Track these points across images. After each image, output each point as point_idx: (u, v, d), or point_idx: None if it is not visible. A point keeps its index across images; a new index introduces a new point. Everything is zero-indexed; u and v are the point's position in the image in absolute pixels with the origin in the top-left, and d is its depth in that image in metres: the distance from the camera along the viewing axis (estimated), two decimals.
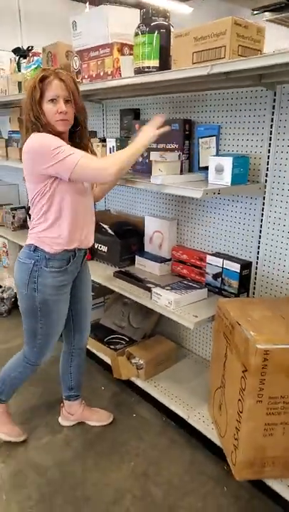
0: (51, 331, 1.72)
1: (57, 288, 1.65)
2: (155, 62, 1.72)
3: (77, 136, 1.66)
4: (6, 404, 1.94)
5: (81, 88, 2.07)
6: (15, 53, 2.76)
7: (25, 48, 2.75)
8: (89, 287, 1.91)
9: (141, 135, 1.60)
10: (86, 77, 2.11)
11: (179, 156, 1.84)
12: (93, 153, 1.74)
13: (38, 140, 1.50)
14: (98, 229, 2.32)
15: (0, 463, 1.81)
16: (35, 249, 1.61)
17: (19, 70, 2.73)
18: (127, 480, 1.73)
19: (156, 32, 1.67)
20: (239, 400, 1.45)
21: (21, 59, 2.74)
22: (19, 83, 2.70)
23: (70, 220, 1.59)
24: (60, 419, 2.05)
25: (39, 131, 1.53)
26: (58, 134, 1.55)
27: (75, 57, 2.15)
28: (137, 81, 1.73)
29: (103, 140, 2.44)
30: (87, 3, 2.22)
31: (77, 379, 2.01)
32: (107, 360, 2.32)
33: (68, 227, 1.60)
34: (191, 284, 1.93)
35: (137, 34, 1.72)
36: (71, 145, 1.60)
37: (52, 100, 1.51)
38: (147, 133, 1.59)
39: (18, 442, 1.91)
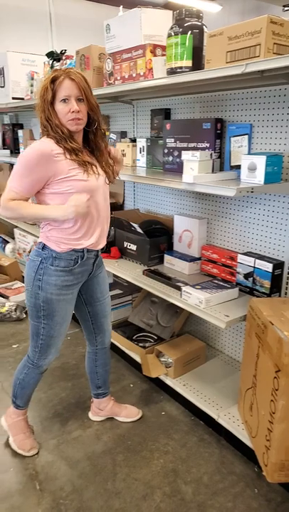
0: (53, 333, 1.71)
1: (60, 287, 1.64)
2: (188, 63, 1.74)
3: (92, 134, 1.64)
4: (23, 412, 1.93)
5: (114, 90, 2.13)
6: (48, 57, 2.83)
7: (58, 51, 2.81)
8: (105, 289, 1.87)
9: (57, 208, 1.53)
10: (118, 78, 2.15)
11: (211, 154, 1.84)
12: (106, 152, 1.69)
13: (24, 153, 1.53)
14: (127, 227, 2.35)
15: (33, 454, 1.86)
16: (44, 247, 1.63)
17: None
18: (157, 476, 1.74)
19: (189, 32, 1.69)
20: (272, 400, 1.44)
21: (55, 62, 2.80)
22: None
23: (77, 219, 1.58)
24: (90, 415, 2.09)
25: (48, 135, 1.54)
26: (71, 135, 1.55)
27: (108, 59, 2.19)
28: (171, 81, 1.75)
29: (133, 140, 2.48)
30: (121, 6, 2.25)
31: (104, 377, 2.02)
32: (136, 357, 2.34)
33: (76, 227, 1.59)
34: (221, 283, 1.93)
35: (170, 35, 1.74)
36: (85, 145, 1.64)
37: (64, 100, 1.51)
38: (65, 209, 1.50)
39: (49, 435, 1.96)
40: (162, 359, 2.20)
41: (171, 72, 1.77)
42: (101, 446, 1.91)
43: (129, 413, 2.07)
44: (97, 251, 1.72)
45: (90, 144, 1.66)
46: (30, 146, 1.53)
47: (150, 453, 1.87)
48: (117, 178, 1.83)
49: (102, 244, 1.72)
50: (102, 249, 1.75)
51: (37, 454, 1.86)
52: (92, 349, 1.96)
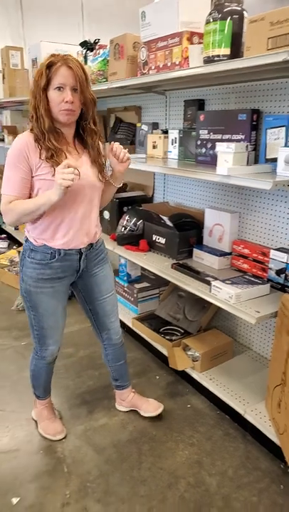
0: (43, 324, 1.71)
1: (36, 280, 1.62)
2: (226, 51, 1.69)
3: (82, 129, 1.59)
4: (46, 402, 1.97)
5: (147, 79, 2.12)
6: (82, 46, 2.83)
7: (91, 41, 2.81)
8: (105, 288, 1.81)
9: (46, 192, 1.48)
10: (153, 67, 2.12)
11: (247, 146, 1.81)
12: (100, 153, 1.63)
13: (10, 149, 1.50)
14: (157, 220, 2.35)
15: (60, 438, 1.91)
16: (27, 240, 1.65)
17: (86, 64, 2.80)
18: (181, 467, 1.76)
19: (228, 18, 1.64)
20: None
21: (88, 52, 2.80)
22: None
23: (48, 219, 1.56)
24: (116, 404, 2.12)
25: (31, 129, 1.50)
26: (55, 129, 1.50)
27: (143, 48, 2.17)
28: (208, 70, 1.71)
29: (165, 132, 2.46)
30: None
31: (119, 371, 2.01)
32: (162, 350, 2.35)
33: (47, 227, 1.57)
34: (252, 279, 1.91)
35: (208, 21, 1.70)
36: (78, 141, 1.59)
37: (59, 88, 1.44)
38: (53, 189, 1.44)
39: (77, 421, 2.01)
40: (189, 353, 2.20)
41: (208, 60, 1.74)
42: (127, 435, 1.94)
43: (147, 407, 2.03)
44: (80, 250, 1.65)
45: (82, 141, 1.61)
46: (11, 146, 1.52)
47: (175, 444, 1.88)
48: (119, 183, 1.74)
49: (80, 244, 1.64)
50: (92, 246, 1.70)
51: (64, 438, 1.91)
52: (102, 344, 1.96)
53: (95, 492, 1.64)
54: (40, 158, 1.48)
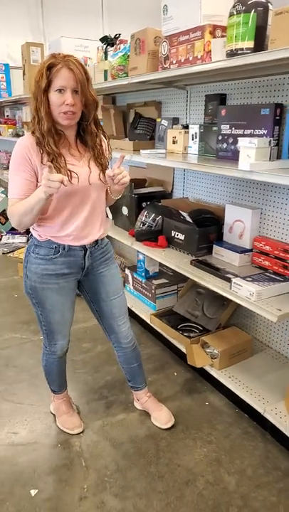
0: (50, 319, 1.70)
1: (41, 276, 1.61)
2: (249, 44, 1.66)
3: (82, 130, 1.56)
4: (62, 396, 1.98)
5: (168, 74, 2.09)
6: (102, 42, 2.83)
7: (112, 36, 2.80)
8: (112, 290, 1.78)
9: (38, 190, 1.42)
10: (174, 62, 2.10)
11: (269, 141, 1.77)
12: (101, 153, 1.61)
13: (13, 153, 1.50)
14: (176, 216, 2.33)
15: (78, 432, 1.92)
16: (31, 236, 1.65)
17: (106, 59, 2.80)
18: (199, 464, 1.75)
19: (252, 11, 1.61)
20: None
21: (108, 47, 2.79)
22: (105, 71, 2.77)
23: (54, 213, 1.55)
24: (134, 402, 2.11)
25: (33, 132, 1.48)
26: (56, 131, 1.49)
27: (164, 43, 2.15)
28: (231, 64, 1.68)
29: (185, 127, 2.44)
30: None
31: (131, 374, 1.97)
32: (180, 346, 2.34)
33: (52, 221, 1.56)
34: (273, 276, 1.87)
35: (231, 14, 1.67)
36: (80, 141, 1.57)
37: (59, 90, 1.42)
38: (38, 190, 1.41)
39: (95, 416, 2.01)
40: (208, 350, 2.18)
41: (231, 54, 1.71)
42: (144, 430, 1.94)
43: (159, 417, 1.97)
44: (85, 246, 1.63)
45: (84, 143, 1.59)
46: (13, 149, 1.51)
47: (193, 441, 1.87)
48: (116, 197, 1.69)
49: (86, 242, 1.63)
50: (97, 243, 1.68)
51: (82, 432, 1.92)
52: (113, 346, 1.92)
53: (113, 486, 1.65)
54: (42, 162, 1.46)
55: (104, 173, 1.60)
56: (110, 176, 1.54)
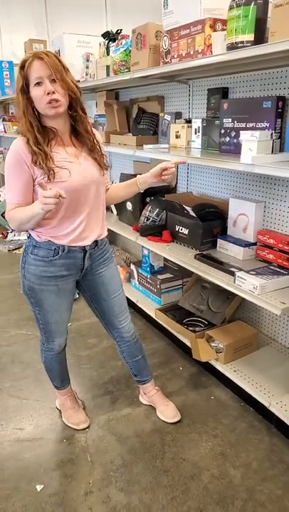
0: (49, 319, 1.70)
1: (39, 277, 1.59)
2: (249, 37, 1.65)
3: (73, 119, 1.53)
4: (65, 392, 1.99)
5: (169, 68, 2.08)
6: (104, 37, 2.82)
7: (114, 31, 2.79)
8: (112, 289, 1.77)
9: (36, 203, 1.42)
10: (175, 56, 2.09)
11: (271, 134, 1.76)
12: (95, 145, 1.59)
13: (7, 158, 1.49)
14: (180, 211, 2.33)
15: (84, 428, 1.93)
16: (29, 236, 1.62)
17: (108, 54, 2.79)
18: (205, 458, 1.75)
19: (252, 3, 1.59)
20: None
21: (110, 43, 2.78)
22: (107, 67, 2.76)
23: (55, 217, 1.52)
24: (139, 396, 2.12)
25: (23, 133, 1.46)
26: (43, 128, 1.47)
27: (165, 37, 2.14)
28: (231, 57, 1.67)
29: (188, 121, 2.43)
30: None
31: (136, 367, 1.97)
32: (185, 341, 2.34)
33: (52, 223, 1.54)
34: (278, 269, 1.87)
35: (231, 7, 1.65)
36: (75, 136, 1.55)
37: (38, 84, 1.40)
38: (36, 205, 1.40)
39: (100, 411, 2.03)
40: (213, 344, 2.18)
41: (232, 47, 1.69)
42: (150, 425, 1.95)
43: (166, 411, 1.98)
44: (84, 247, 1.61)
45: (77, 133, 1.56)
46: (8, 153, 1.49)
47: (198, 435, 1.88)
48: (144, 189, 1.69)
49: (87, 242, 1.61)
50: (97, 244, 1.66)
51: (88, 428, 1.93)
52: (116, 342, 1.92)
53: (118, 481, 1.66)
54: (31, 161, 1.44)
55: (100, 163, 1.59)
56: (162, 167, 1.57)
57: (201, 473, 1.68)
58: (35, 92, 1.42)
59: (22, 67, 1.42)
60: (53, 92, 1.41)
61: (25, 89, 1.43)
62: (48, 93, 1.40)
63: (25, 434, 1.91)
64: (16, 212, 1.49)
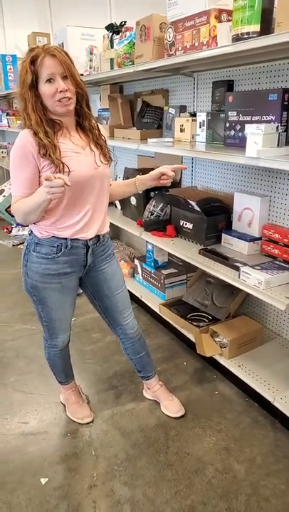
0: (52, 316, 1.69)
1: (42, 275, 1.58)
2: (255, 27, 1.62)
3: (78, 115, 1.54)
4: (69, 387, 1.99)
5: (173, 61, 2.06)
6: (108, 30, 2.79)
7: (117, 24, 2.76)
8: (115, 285, 1.77)
9: (39, 190, 1.40)
10: (180, 48, 2.07)
11: (277, 127, 1.73)
12: (99, 136, 1.60)
13: (12, 150, 1.48)
14: (184, 205, 2.31)
15: (88, 422, 1.94)
16: (31, 232, 1.60)
17: (112, 47, 2.76)
18: (209, 453, 1.75)
19: None
20: None
21: (114, 35, 2.76)
22: (111, 60, 2.74)
23: (59, 209, 1.51)
24: (143, 391, 2.12)
25: (30, 126, 1.44)
26: (60, 117, 1.47)
27: (169, 29, 2.11)
28: (236, 49, 1.64)
29: (193, 115, 2.40)
30: None
31: (140, 364, 1.97)
32: (190, 336, 2.33)
33: (56, 214, 1.52)
34: (283, 264, 1.85)
35: None
36: (80, 128, 1.54)
37: (49, 80, 1.39)
38: (41, 193, 1.37)
39: (104, 406, 2.03)
40: (217, 339, 2.18)
41: (237, 38, 1.67)
42: (154, 420, 1.95)
43: (170, 406, 1.98)
44: (86, 242, 1.60)
45: (83, 128, 1.56)
46: (14, 145, 1.48)
47: (202, 430, 1.87)
48: (141, 190, 1.73)
49: (90, 234, 1.59)
50: (99, 240, 1.65)
51: (92, 422, 1.94)
52: (119, 339, 1.92)
53: (122, 475, 1.66)
54: (38, 153, 1.43)
55: (104, 155, 1.58)
56: (161, 172, 1.57)
57: (205, 467, 1.68)
58: (45, 89, 1.41)
59: (32, 62, 1.40)
60: (66, 90, 1.41)
61: (34, 85, 1.42)
62: (61, 91, 1.40)
63: (29, 428, 1.92)
64: (20, 203, 1.48)
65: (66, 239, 1.56)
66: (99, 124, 1.64)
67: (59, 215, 1.53)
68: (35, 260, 1.58)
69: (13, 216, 5.16)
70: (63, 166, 1.43)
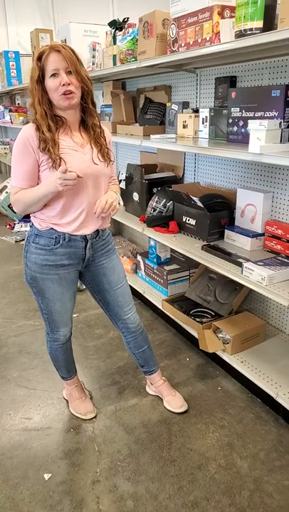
0: (51, 308, 1.71)
1: (40, 266, 1.61)
2: (259, 24, 1.61)
3: (83, 112, 1.57)
4: (72, 382, 2.01)
5: (176, 57, 2.05)
6: (110, 26, 2.78)
7: (120, 20, 2.75)
8: (115, 279, 1.78)
9: (47, 182, 1.47)
10: (183, 44, 2.06)
11: (280, 123, 1.73)
12: (101, 135, 1.61)
13: (16, 142, 1.51)
14: (187, 201, 2.31)
15: (91, 417, 1.95)
16: (32, 225, 1.64)
17: (114, 43, 2.76)
18: (212, 449, 1.76)
19: None
20: None
21: (117, 32, 2.75)
22: (114, 56, 2.73)
23: (58, 204, 1.54)
24: (146, 386, 2.13)
25: (36, 120, 1.49)
26: (57, 117, 1.51)
27: (172, 25, 2.11)
28: (240, 45, 1.63)
29: (196, 111, 2.40)
30: None
31: (142, 358, 1.97)
32: (192, 332, 2.34)
33: (56, 212, 1.56)
34: (286, 260, 1.85)
35: None
36: (83, 127, 1.58)
37: (54, 75, 1.45)
38: (53, 181, 1.43)
39: (107, 401, 2.04)
40: (220, 335, 2.18)
41: (240, 35, 1.66)
42: (156, 415, 1.95)
43: (172, 402, 1.98)
44: (85, 236, 1.63)
45: (85, 125, 1.59)
46: (16, 138, 1.52)
47: (205, 426, 1.88)
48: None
49: (88, 231, 1.62)
50: (98, 234, 1.67)
51: (95, 417, 1.95)
52: (121, 333, 1.93)
53: (125, 471, 1.67)
54: (38, 148, 1.47)
55: (102, 153, 1.60)
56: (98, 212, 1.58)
57: (207, 463, 1.69)
58: (50, 83, 1.46)
59: (39, 58, 1.46)
60: (68, 84, 1.45)
61: (41, 80, 1.48)
62: (64, 84, 1.45)
63: (33, 424, 1.93)
64: (22, 194, 1.52)
65: (65, 232, 1.60)
66: (104, 127, 1.67)
67: (58, 212, 1.56)
68: (34, 251, 1.62)
69: (15, 212, 5.19)
70: (60, 161, 1.47)
